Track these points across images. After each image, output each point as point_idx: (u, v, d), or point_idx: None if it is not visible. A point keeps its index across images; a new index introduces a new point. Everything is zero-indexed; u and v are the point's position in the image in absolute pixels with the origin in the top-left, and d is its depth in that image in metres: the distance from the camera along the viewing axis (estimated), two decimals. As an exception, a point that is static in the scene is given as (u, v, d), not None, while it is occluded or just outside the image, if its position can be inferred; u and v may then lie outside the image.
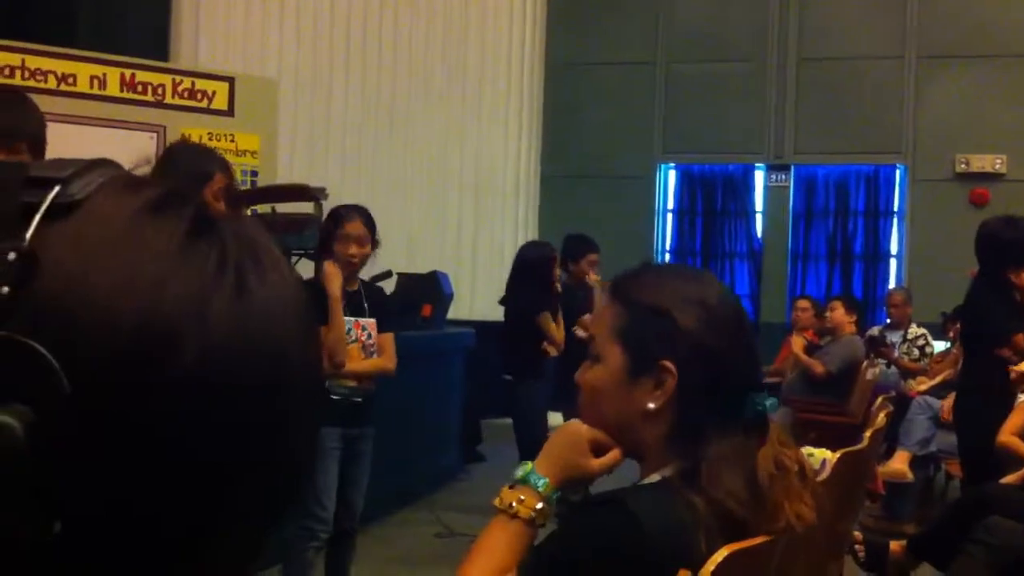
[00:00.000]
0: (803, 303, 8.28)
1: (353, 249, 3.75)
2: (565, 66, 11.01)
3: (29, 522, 0.42)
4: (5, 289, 0.43)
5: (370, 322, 3.85)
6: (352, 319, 3.78)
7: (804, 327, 7.83)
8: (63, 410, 0.42)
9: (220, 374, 0.45)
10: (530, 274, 5.46)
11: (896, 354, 7.66)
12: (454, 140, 10.12)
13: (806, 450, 1.93)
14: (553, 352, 5.32)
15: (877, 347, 7.61)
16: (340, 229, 3.77)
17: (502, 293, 5.96)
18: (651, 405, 1.41)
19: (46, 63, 6.49)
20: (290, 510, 0.52)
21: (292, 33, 8.91)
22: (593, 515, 1.37)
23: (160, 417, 0.44)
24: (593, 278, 5.79)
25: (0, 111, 2.47)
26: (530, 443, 5.13)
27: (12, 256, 0.43)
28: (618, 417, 1.45)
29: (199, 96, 7.02)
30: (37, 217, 0.45)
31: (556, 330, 5.34)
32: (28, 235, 0.44)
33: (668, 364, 1.40)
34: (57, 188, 0.46)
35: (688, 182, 11.35)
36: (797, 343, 7.08)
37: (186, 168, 3.05)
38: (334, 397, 3.66)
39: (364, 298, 3.86)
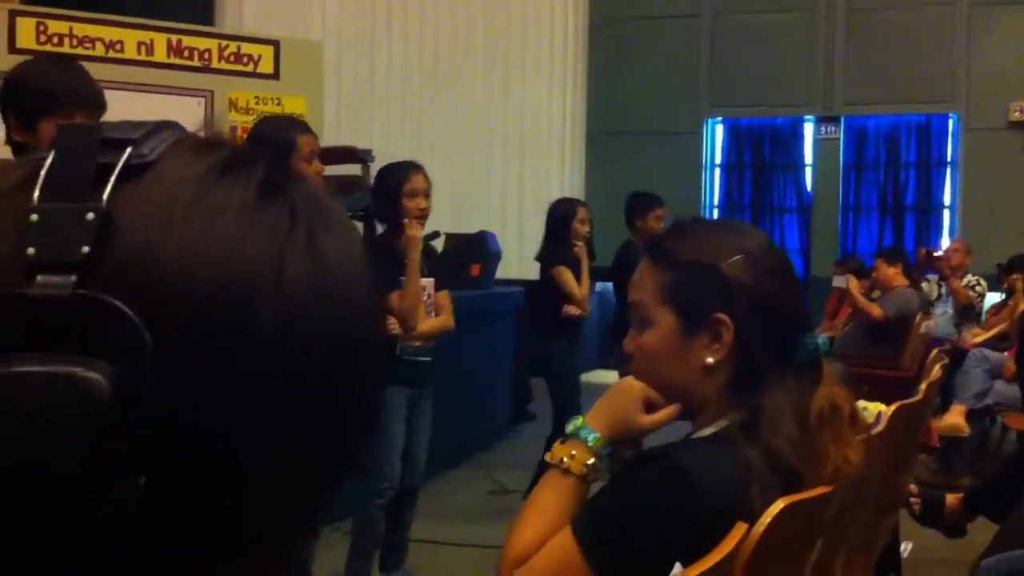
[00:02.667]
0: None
1: (423, 203, 3.77)
2: (610, 20, 10.90)
3: (115, 479, 0.42)
4: (85, 249, 0.43)
5: (429, 281, 3.88)
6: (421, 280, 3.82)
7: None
8: (144, 369, 0.42)
9: (297, 334, 0.46)
10: (554, 230, 5.41)
11: (949, 307, 7.55)
12: (498, 98, 10.07)
13: (860, 403, 1.92)
14: (574, 311, 5.20)
15: (931, 260, 7.53)
16: (407, 184, 3.78)
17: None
18: (710, 360, 1.41)
19: (94, 30, 6.55)
20: (355, 469, 0.52)
21: (335, -6, 8.90)
22: (644, 471, 1.37)
23: (239, 378, 0.44)
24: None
25: (55, 77, 2.49)
26: (561, 403, 5.13)
27: (91, 216, 0.44)
28: (678, 377, 1.44)
29: (245, 60, 7.05)
30: (112, 178, 0.45)
31: (575, 287, 5.22)
32: (105, 196, 0.44)
33: (723, 316, 1.40)
34: (129, 149, 0.46)
35: (736, 136, 11.23)
36: (854, 285, 6.92)
37: (268, 141, 3.06)
38: (404, 358, 3.70)
39: (424, 257, 3.88)
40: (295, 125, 3.25)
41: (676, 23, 10.89)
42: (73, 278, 0.42)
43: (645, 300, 1.47)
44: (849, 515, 1.57)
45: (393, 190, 3.79)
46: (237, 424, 0.44)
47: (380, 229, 4.06)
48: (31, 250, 0.43)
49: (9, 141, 2.47)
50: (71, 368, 0.41)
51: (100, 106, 2.50)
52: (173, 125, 0.50)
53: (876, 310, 6.55)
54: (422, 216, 3.76)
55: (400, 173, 3.83)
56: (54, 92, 2.43)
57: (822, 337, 1.63)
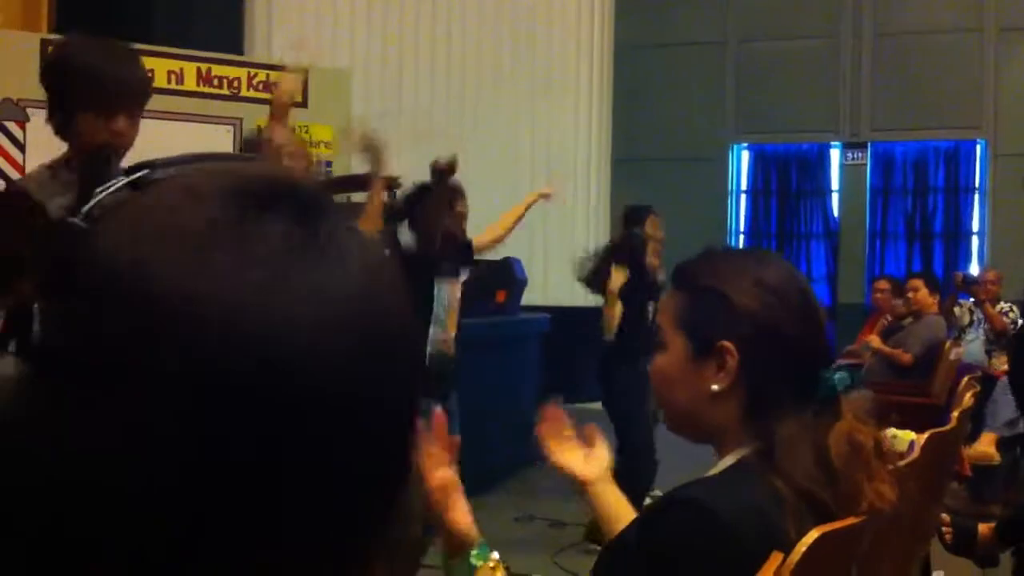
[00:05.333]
0: (882, 284, 8.13)
1: (464, 225, 4.04)
2: (635, 48, 10.93)
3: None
4: (60, 255, 0.47)
5: (456, 283, 4.01)
6: (455, 282, 3.91)
7: (883, 309, 7.69)
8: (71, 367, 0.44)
9: (285, 358, 0.46)
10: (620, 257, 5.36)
11: (981, 334, 7.49)
12: (524, 125, 10.11)
13: (891, 432, 1.90)
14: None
15: (968, 285, 7.45)
16: (456, 206, 3.98)
17: (575, 278, 5.88)
18: (715, 387, 1.41)
19: (125, 60, 6.62)
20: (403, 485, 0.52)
21: (363, 22, 8.99)
22: (669, 517, 1.35)
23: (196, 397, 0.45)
24: None
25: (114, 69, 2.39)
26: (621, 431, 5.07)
27: (74, 227, 0.47)
28: (689, 402, 1.46)
29: (274, 88, 7.11)
30: (99, 195, 0.49)
31: (612, 312, 5.18)
32: (89, 206, 0.48)
33: (727, 345, 1.40)
34: (145, 171, 0.50)
35: (762, 162, 11.21)
36: (875, 341, 6.92)
37: (248, 145, 3.12)
38: (434, 369, 3.75)
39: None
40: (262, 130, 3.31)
41: (702, 49, 10.91)
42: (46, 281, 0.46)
43: (663, 323, 1.50)
44: (882, 544, 1.56)
45: (445, 207, 3.92)
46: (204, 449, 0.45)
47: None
48: (35, 251, 0.48)
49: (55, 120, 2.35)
50: None
51: (145, 93, 2.42)
52: (220, 156, 0.52)
53: (905, 357, 6.54)
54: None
55: (452, 194, 3.94)
56: (108, 78, 2.30)
57: (841, 373, 1.61)
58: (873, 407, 1.50)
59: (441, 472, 1.50)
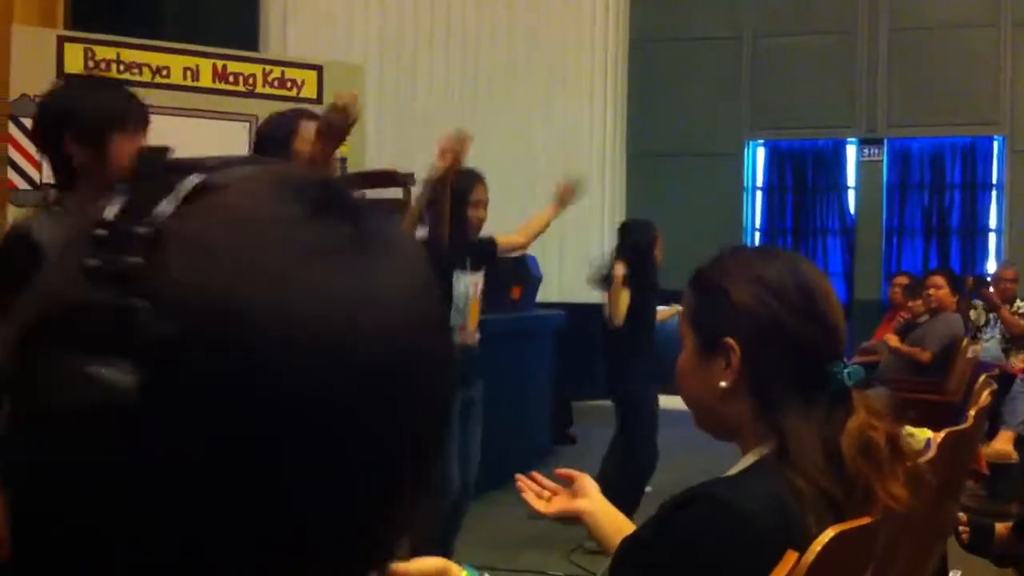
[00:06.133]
0: (901, 279, 8.09)
1: (483, 213, 4.00)
2: (650, 42, 10.89)
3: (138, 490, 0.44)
4: (135, 261, 0.45)
5: (478, 277, 4.00)
6: (474, 275, 3.91)
7: (900, 306, 7.66)
8: (169, 368, 0.44)
9: (335, 362, 0.46)
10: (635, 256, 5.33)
11: (997, 332, 7.44)
12: (539, 120, 10.10)
13: (908, 429, 1.89)
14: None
15: (980, 288, 7.40)
16: (472, 194, 3.95)
17: (589, 275, 5.86)
18: (723, 384, 1.43)
19: (141, 56, 6.66)
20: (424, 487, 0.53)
21: (376, 18, 8.99)
22: (688, 513, 1.35)
23: (261, 405, 0.45)
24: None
25: (105, 95, 2.47)
26: (629, 428, 5.08)
27: (144, 232, 0.46)
28: (703, 399, 1.49)
29: (289, 85, 7.14)
30: (175, 198, 0.47)
31: (620, 308, 5.15)
32: (159, 212, 0.47)
33: (730, 341, 1.43)
34: (200, 174, 0.49)
35: (777, 158, 11.17)
36: (892, 340, 6.90)
37: (271, 137, 3.08)
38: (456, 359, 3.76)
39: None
40: (299, 113, 3.27)
41: (717, 44, 10.87)
42: (120, 286, 0.45)
43: (681, 321, 1.54)
44: (898, 543, 1.55)
45: (458, 198, 3.87)
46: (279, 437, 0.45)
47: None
48: (92, 261, 0.45)
49: (58, 170, 2.44)
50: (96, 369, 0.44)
51: (147, 120, 2.50)
52: (266, 161, 0.52)
53: (924, 356, 6.52)
54: (479, 227, 3.96)
55: (467, 182, 3.92)
56: (107, 106, 2.41)
57: (854, 367, 1.60)
58: (889, 404, 1.49)
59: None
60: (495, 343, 4.07)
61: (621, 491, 4.74)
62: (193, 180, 0.48)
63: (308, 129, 3.02)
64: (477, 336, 3.97)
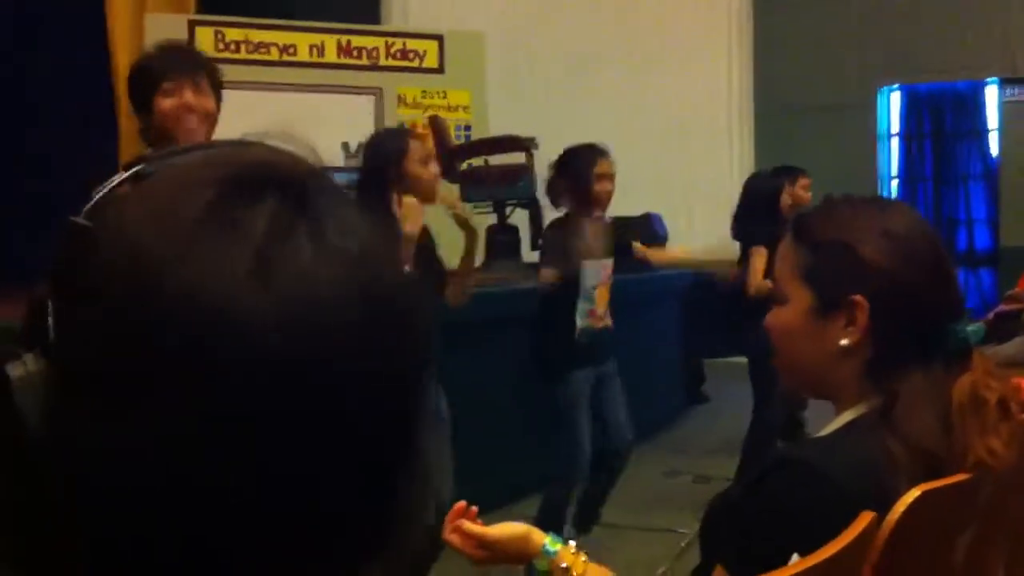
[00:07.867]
0: None
1: (609, 186, 3.90)
2: (775, -7, 10.61)
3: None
4: (58, 254, 0.50)
5: (608, 262, 3.96)
6: (603, 261, 3.90)
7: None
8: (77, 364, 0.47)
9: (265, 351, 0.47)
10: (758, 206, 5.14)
11: None
12: (662, 79, 9.95)
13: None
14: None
15: None
16: (595, 168, 3.87)
17: (721, 233, 5.72)
18: (844, 342, 1.37)
19: (268, 36, 6.83)
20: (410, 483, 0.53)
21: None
22: (774, 478, 1.32)
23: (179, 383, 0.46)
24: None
25: (150, 56, 2.65)
26: (760, 385, 4.98)
27: (69, 227, 0.50)
28: (812, 358, 1.42)
29: (411, 56, 7.22)
30: (104, 188, 0.52)
31: (759, 276, 4.89)
32: (90, 205, 0.51)
33: (858, 299, 1.36)
34: (140, 167, 0.53)
35: (914, 104, 10.78)
36: None
37: (382, 152, 3.29)
38: (583, 341, 3.81)
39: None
40: (406, 132, 3.43)
41: (845, -10, 10.51)
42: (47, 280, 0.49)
43: (783, 276, 1.45)
44: (1006, 502, 1.48)
45: (582, 173, 3.84)
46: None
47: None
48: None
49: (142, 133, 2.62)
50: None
51: (199, 64, 2.59)
52: (221, 145, 0.55)
53: None
54: (607, 200, 3.89)
55: (588, 157, 3.88)
56: (150, 68, 2.54)
57: (976, 325, 1.54)
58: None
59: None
60: (623, 305, 4.06)
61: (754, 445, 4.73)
62: (123, 174, 0.52)
63: (416, 149, 3.23)
64: (608, 320, 3.94)
